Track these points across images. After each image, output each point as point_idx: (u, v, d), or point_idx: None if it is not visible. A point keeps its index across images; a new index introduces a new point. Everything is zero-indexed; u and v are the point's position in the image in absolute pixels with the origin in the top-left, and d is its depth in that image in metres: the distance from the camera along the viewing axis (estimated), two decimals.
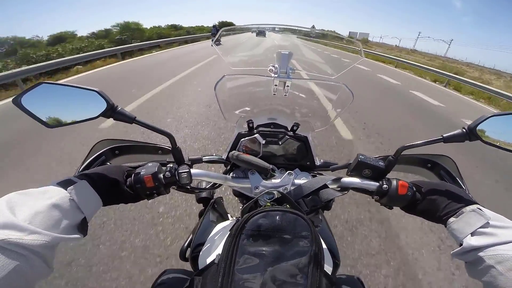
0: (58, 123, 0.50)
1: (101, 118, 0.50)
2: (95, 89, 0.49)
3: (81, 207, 0.43)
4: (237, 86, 0.73)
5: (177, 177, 0.56)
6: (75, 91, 0.50)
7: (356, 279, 0.68)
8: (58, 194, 0.41)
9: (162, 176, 0.54)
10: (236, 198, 0.90)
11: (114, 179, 0.51)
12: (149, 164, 0.55)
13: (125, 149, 0.69)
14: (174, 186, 0.58)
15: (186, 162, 0.61)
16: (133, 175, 0.53)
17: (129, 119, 0.51)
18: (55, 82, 0.49)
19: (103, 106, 0.49)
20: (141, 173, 0.53)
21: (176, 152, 0.59)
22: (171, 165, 0.57)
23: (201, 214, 0.92)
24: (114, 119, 0.51)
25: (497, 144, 0.54)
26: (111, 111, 0.50)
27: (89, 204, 0.46)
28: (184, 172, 0.56)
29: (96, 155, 0.66)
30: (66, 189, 0.43)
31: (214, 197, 0.95)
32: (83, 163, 0.64)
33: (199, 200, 0.96)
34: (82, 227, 0.44)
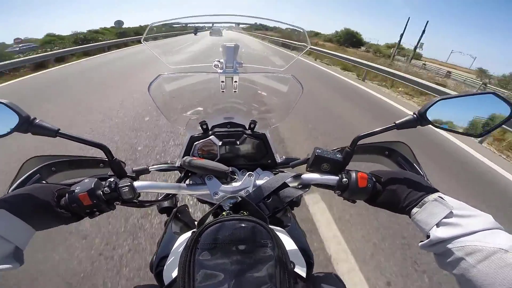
0: None
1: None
2: (2, 100, 0.42)
3: (7, 237, 0.39)
4: (182, 86, 0.68)
5: (118, 192, 0.50)
6: None
7: (334, 275, 0.66)
8: None
9: (101, 193, 0.49)
10: (204, 204, 0.85)
11: (43, 202, 0.45)
12: (86, 180, 0.49)
13: (62, 164, 0.62)
14: (118, 202, 0.52)
15: (129, 175, 0.56)
16: (67, 194, 0.47)
17: (51, 132, 0.46)
18: None
19: (15, 120, 0.43)
20: (76, 191, 0.47)
21: (114, 165, 0.54)
22: (112, 179, 0.51)
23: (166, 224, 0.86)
24: (32, 134, 0.45)
25: (448, 127, 0.55)
26: (27, 125, 0.44)
27: (16, 233, 0.41)
28: (125, 186, 0.51)
29: (29, 173, 0.58)
30: None
31: (178, 205, 0.89)
32: (12, 183, 0.56)
33: (161, 210, 0.90)
34: (16, 256, 0.41)
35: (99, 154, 0.57)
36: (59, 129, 0.46)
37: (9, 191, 0.53)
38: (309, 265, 0.67)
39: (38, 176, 0.59)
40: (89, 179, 0.50)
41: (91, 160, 0.63)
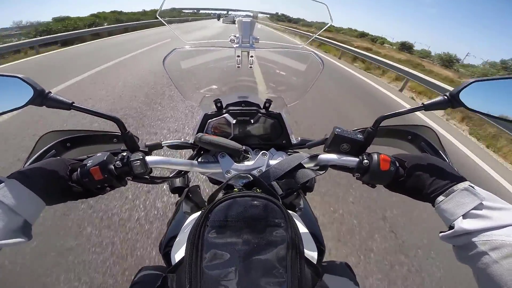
0: None
1: None
2: (17, 75, 0.43)
3: (16, 210, 0.39)
4: (197, 62, 0.65)
5: (130, 167, 0.50)
6: None
7: (344, 264, 0.66)
8: None
9: (112, 167, 0.48)
10: (215, 186, 0.85)
11: (55, 175, 0.45)
12: (98, 155, 0.49)
13: (77, 140, 0.62)
14: (129, 177, 0.52)
15: (142, 149, 0.55)
16: (79, 168, 0.47)
17: (65, 105, 0.45)
18: None
19: (30, 93, 0.43)
20: (88, 165, 0.47)
21: (127, 138, 0.53)
22: (124, 154, 0.51)
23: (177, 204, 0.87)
24: (47, 107, 0.45)
25: (480, 110, 0.51)
26: (41, 98, 0.44)
27: (26, 206, 0.40)
28: (137, 160, 0.50)
29: (44, 149, 0.58)
30: None
31: (190, 185, 0.90)
32: (28, 158, 0.57)
33: (173, 190, 0.91)
34: (24, 230, 0.40)
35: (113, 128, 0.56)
36: (73, 102, 0.45)
37: (24, 166, 0.54)
38: (320, 251, 0.66)
39: (54, 152, 0.59)
40: (102, 153, 0.49)
41: (105, 135, 0.62)
